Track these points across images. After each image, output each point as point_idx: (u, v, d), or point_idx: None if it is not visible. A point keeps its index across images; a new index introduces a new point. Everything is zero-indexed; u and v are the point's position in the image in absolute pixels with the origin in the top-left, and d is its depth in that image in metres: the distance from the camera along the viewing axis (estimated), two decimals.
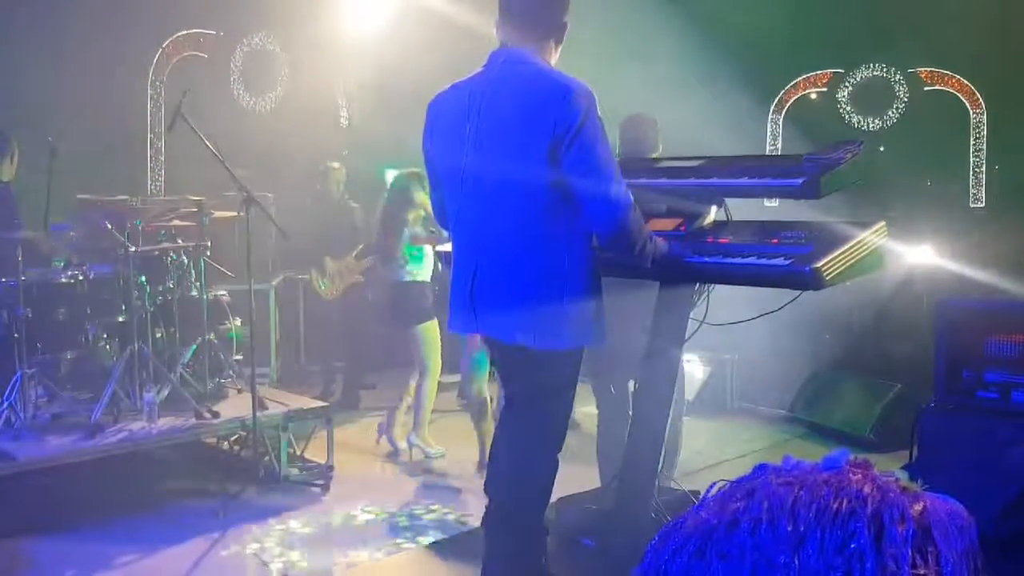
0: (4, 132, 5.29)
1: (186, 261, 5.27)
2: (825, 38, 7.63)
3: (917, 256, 6.02)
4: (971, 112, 7.35)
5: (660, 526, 0.80)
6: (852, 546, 0.68)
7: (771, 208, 6.58)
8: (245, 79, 8.08)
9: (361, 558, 4.04)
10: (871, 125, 7.67)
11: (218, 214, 5.27)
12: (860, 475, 0.73)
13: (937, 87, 7.50)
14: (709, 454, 5.49)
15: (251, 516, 4.47)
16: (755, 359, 6.42)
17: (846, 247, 2.90)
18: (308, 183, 7.17)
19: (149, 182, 7.59)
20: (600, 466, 4.20)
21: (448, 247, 3.46)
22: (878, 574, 0.67)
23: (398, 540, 4.25)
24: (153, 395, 4.72)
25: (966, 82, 7.37)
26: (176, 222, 5.30)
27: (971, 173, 7.34)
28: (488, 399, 5.04)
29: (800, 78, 8.00)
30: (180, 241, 5.32)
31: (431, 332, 5.33)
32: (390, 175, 7.92)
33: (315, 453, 5.16)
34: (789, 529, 0.69)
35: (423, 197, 5.05)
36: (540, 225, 2.89)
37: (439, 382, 5.58)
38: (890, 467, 0.80)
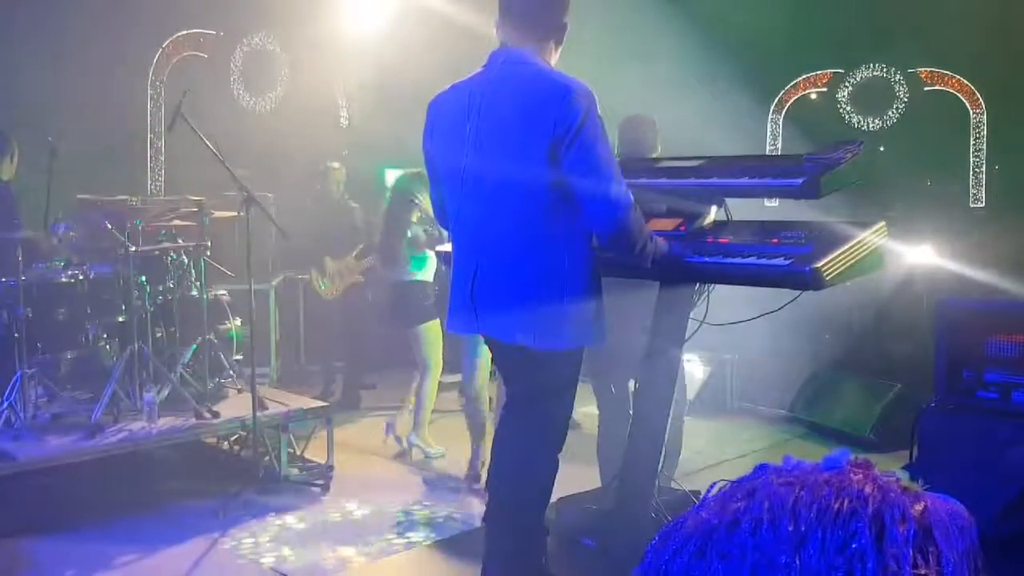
0: (4, 132, 5.29)
1: (186, 261, 5.26)
2: (825, 38, 7.63)
3: (917, 256, 6.01)
4: (971, 112, 7.35)
5: (660, 526, 0.80)
6: (853, 546, 0.68)
7: (771, 208, 6.58)
8: (245, 79, 8.07)
9: (361, 558, 4.03)
10: (871, 125, 7.67)
11: (218, 214, 5.27)
12: (861, 475, 0.73)
13: (937, 87, 7.50)
14: (709, 454, 5.49)
15: (251, 516, 4.47)
16: (755, 359, 6.42)
17: (846, 247, 2.90)
18: (308, 183, 7.17)
19: (149, 182, 7.59)
20: (600, 466, 4.20)
21: (448, 247, 3.46)
22: (879, 574, 0.67)
23: (398, 540, 4.25)
24: (153, 395, 4.72)
25: (966, 82, 7.37)
26: (176, 222, 5.30)
27: (971, 173, 7.33)
28: (486, 397, 5.03)
29: (800, 78, 8.00)
30: (180, 241, 5.31)
31: (432, 332, 5.33)
32: (390, 175, 7.94)
33: (315, 453, 5.15)
34: (790, 529, 0.69)
35: (425, 197, 5.05)
36: (540, 225, 2.89)
37: (440, 382, 5.59)
38: (890, 467, 0.80)
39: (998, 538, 3.61)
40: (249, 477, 4.74)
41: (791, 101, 8.05)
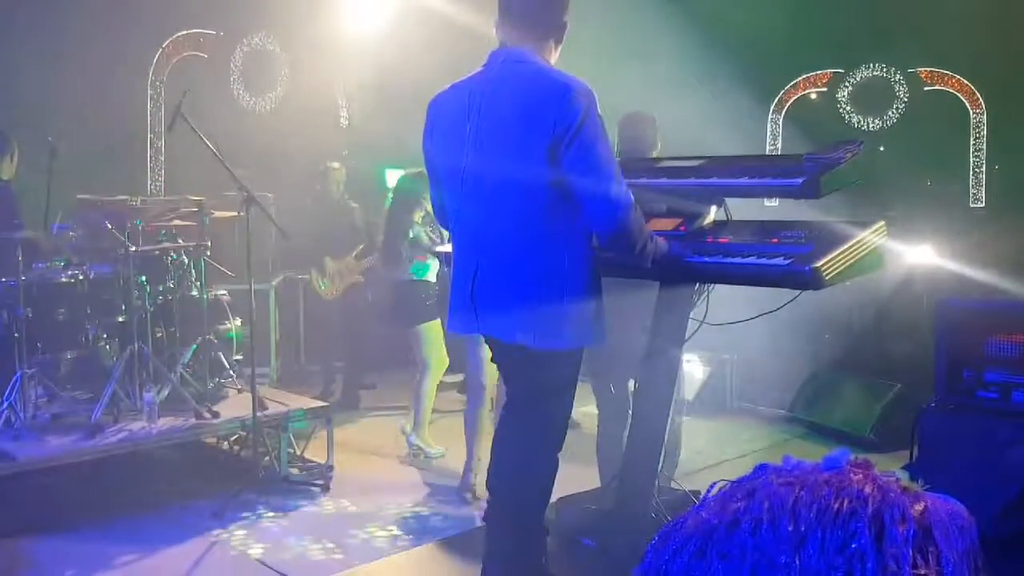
0: (4, 131, 5.29)
1: (186, 261, 5.27)
2: (825, 38, 7.63)
3: (917, 256, 6.01)
4: (971, 112, 7.35)
5: (660, 526, 0.80)
6: (853, 546, 0.68)
7: (771, 208, 6.58)
8: (245, 79, 8.08)
9: (361, 558, 4.03)
10: (871, 125, 7.67)
11: (218, 214, 5.27)
12: (861, 475, 0.73)
13: (937, 87, 7.51)
14: (709, 454, 5.49)
15: (251, 516, 4.47)
16: (755, 359, 6.42)
17: (846, 247, 2.90)
18: (308, 183, 7.17)
19: (149, 182, 7.59)
20: (600, 466, 4.20)
21: (448, 248, 3.46)
22: (879, 574, 0.67)
23: (398, 540, 4.25)
24: (153, 395, 4.72)
25: (966, 82, 7.37)
26: (176, 222, 5.29)
27: (971, 173, 7.34)
28: (489, 397, 5.02)
29: (800, 78, 8.00)
30: (180, 241, 5.31)
31: (432, 332, 5.33)
32: (390, 175, 7.95)
33: (315, 453, 5.15)
34: (790, 529, 0.69)
35: (427, 197, 5.06)
36: (540, 224, 2.89)
37: (441, 382, 5.59)
38: (890, 467, 0.80)
39: (998, 538, 3.61)
40: (249, 477, 4.74)
41: (791, 101, 8.05)
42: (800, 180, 3.04)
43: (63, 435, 4.54)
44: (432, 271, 5.37)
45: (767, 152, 7.69)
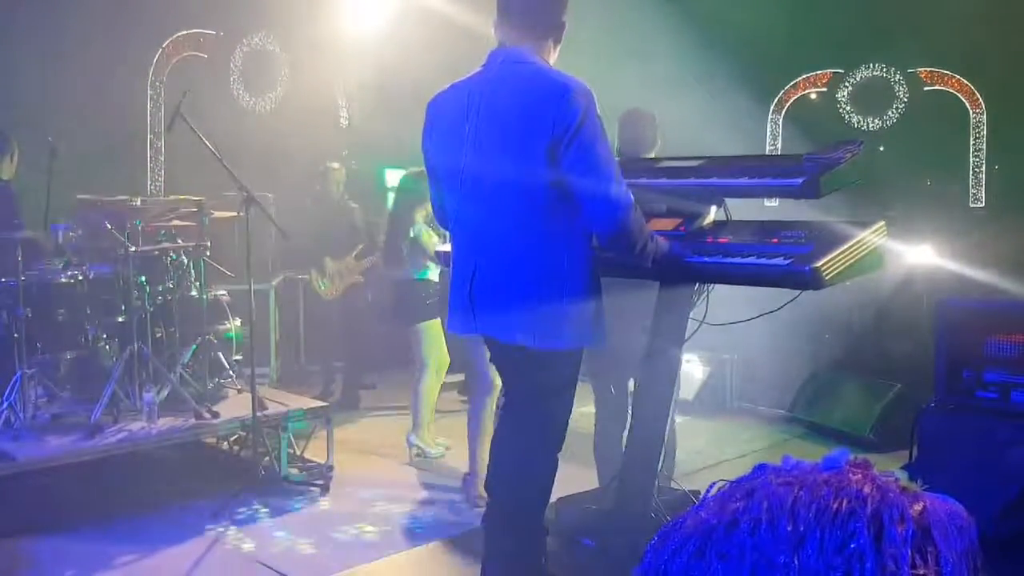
0: (4, 131, 5.29)
1: (186, 261, 5.26)
2: (825, 38, 7.63)
3: (917, 256, 6.02)
4: (971, 112, 7.35)
5: (659, 526, 0.80)
6: (852, 546, 0.68)
7: (771, 208, 6.58)
8: (245, 79, 8.08)
9: (361, 558, 4.03)
10: (871, 125, 7.67)
11: (218, 214, 5.27)
12: (860, 475, 0.73)
13: (937, 87, 7.51)
14: (709, 454, 5.49)
15: (251, 516, 4.47)
16: (755, 359, 6.42)
17: (846, 247, 2.90)
18: (308, 183, 7.17)
19: (149, 182, 7.59)
20: (598, 466, 4.20)
21: (448, 248, 3.46)
22: (878, 574, 0.67)
23: (398, 540, 4.25)
24: (153, 395, 4.72)
25: (966, 82, 7.37)
26: (176, 222, 5.29)
27: (971, 173, 7.34)
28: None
29: (800, 78, 8.00)
30: (180, 241, 5.31)
31: (432, 331, 5.33)
32: (390, 175, 7.96)
33: (315, 453, 5.15)
34: (789, 529, 0.69)
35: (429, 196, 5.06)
36: (540, 225, 2.89)
37: (443, 382, 5.60)
38: (890, 467, 0.80)
39: (998, 538, 3.61)
40: (249, 477, 4.74)
41: (791, 101, 8.05)
42: (800, 180, 3.04)
43: (63, 435, 4.54)
44: (434, 270, 5.37)
45: (767, 152, 7.69)
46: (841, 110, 7.78)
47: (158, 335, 5.10)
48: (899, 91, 7.58)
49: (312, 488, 4.88)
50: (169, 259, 5.19)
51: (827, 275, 2.81)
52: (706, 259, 3.11)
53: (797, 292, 3.03)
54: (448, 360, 5.54)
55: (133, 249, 4.87)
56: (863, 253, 2.96)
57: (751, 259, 3.00)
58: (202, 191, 5.59)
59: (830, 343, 6.47)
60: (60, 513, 4.37)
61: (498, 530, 3.16)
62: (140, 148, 7.57)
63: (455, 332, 3.28)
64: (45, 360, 4.80)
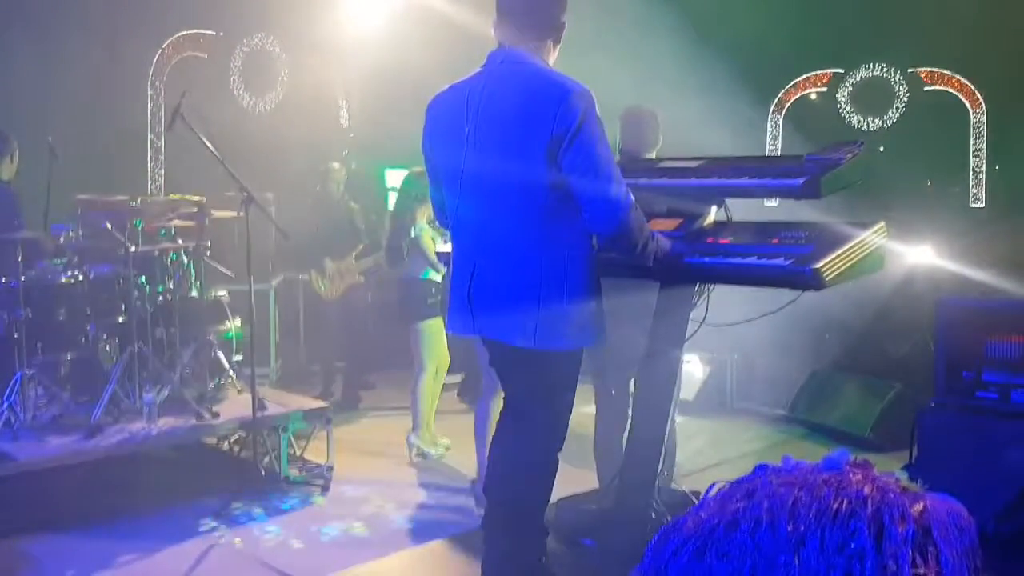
0: (4, 132, 5.29)
1: (186, 261, 5.27)
2: (825, 38, 7.64)
3: (917, 256, 6.01)
4: (971, 112, 7.35)
5: (660, 526, 0.80)
6: (852, 546, 0.68)
7: (771, 208, 6.58)
8: (245, 79, 8.08)
9: (361, 558, 4.03)
10: (871, 125, 7.67)
11: (218, 214, 5.27)
12: (860, 475, 0.73)
13: (937, 87, 7.51)
14: (709, 454, 5.48)
15: (251, 516, 4.47)
16: (755, 359, 6.42)
17: (846, 247, 2.90)
18: (308, 183, 7.17)
19: (149, 182, 7.59)
20: (598, 466, 4.20)
21: (448, 248, 3.47)
22: (878, 574, 0.67)
23: (398, 540, 4.24)
24: (153, 396, 4.72)
25: (966, 82, 7.37)
26: (176, 222, 5.29)
27: (971, 173, 7.34)
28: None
29: (800, 78, 8.00)
30: (180, 241, 5.31)
31: (431, 330, 5.33)
32: (390, 175, 7.96)
33: (315, 453, 5.15)
34: (789, 529, 0.69)
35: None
36: (539, 226, 2.89)
37: (443, 383, 5.59)
38: (890, 467, 0.81)
39: (998, 538, 3.61)
40: (249, 477, 4.74)
41: (791, 101, 8.05)
42: (801, 180, 3.04)
43: (63, 436, 4.54)
44: (440, 269, 5.37)
45: (767, 152, 7.69)
46: (841, 110, 7.78)
47: (158, 335, 5.10)
48: (899, 91, 7.59)
49: (312, 488, 4.88)
50: (169, 259, 5.19)
51: (828, 276, 2.81)
52: (706, 259, 3.11)
53: (797, 293, 3.03)
54: (448, 360, 5.54)
55: (133, 249, 4.87)
56: (864, 254, 2.96)
57: (752, 259, 3.00)
58: (202, 191, 5.59)
59: (830, 343, 6.46)
60: (60, 513, 4.37)
61: (498, 530, 3.16)
62: (140, 148, 7.57)
63: (454, 333, 3.28)
64: (45, 360, 4.80)
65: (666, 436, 3.44)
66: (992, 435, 3.88)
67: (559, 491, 3.35)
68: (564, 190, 2.83)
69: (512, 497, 3.11)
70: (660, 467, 3.46)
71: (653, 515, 3.34)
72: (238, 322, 5.50)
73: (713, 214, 3.39)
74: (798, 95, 8.03)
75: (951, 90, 7.46)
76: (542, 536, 3.20)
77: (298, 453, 5.16)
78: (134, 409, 4.78)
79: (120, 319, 4.97)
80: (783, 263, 2.90)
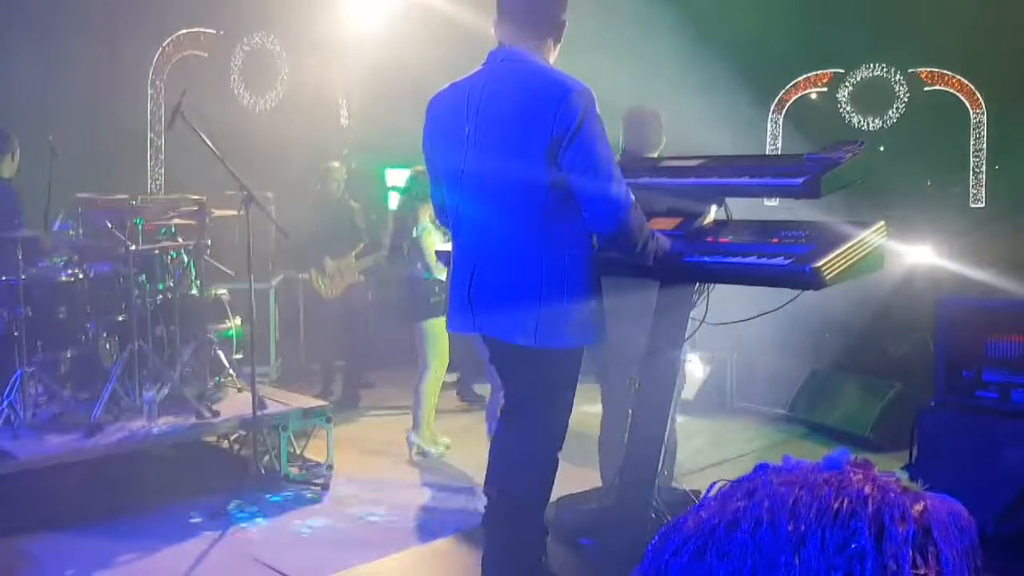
0: (5, 130, 5.29)
1: (186, 260, 5.27)
2: (825, 38, 7.63)
3: (917, 256, 6.01)
4: (971, 112, 7.35)
5: (660, 526, 0.81)
6: (853, 546, 0.68)
7: (771, 208, 6.58)
8: (245, 78, 8.08)
9: (361, 558, 4.03)
10: (871, 125, 7.67)
11: (218, 213, 5.27)
12: (861, 475, 0.74)
13: (937, 87, 7.51)
14: (709, 454, 5.48)
15: (251, 515, 4.47)
16: (755, 359, 6.41)
17: (846, 247, 2.90)
18: (308, 182, 7.17)
19: (149, 181, 7.59)
20: (601, 465, 4.19)
21: (448, 247, 3.47)
22: (879, 574, 0.67)
23: (398, 539, 4.24)
24: (153, 394, 4.72)
25: (966, 82, 7.37)
26: (176, 221, 5.29)
27: (971, 173, 7.34)
28: None
29: (800, 78, 8.00)
30: (180, 240, 5.31)
31: (434, 329, 5.32)
32: (390, 175, 7.96)
33: (315, 452, 5.16)
34: (790, 529, 0.69)
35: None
36: (540, 225, 2.89)
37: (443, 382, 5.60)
38: (890, 467, 0.81)
39: (998, 538, 3.61)
40: (249, 476, 4.74)
41: (791, 101, 8.05)
42: (801, 180, 3.04)
43: (63, 434, 4.54)
44: (437, 270, 5.37)
45: (767, 152, 7.69)
46: (841, 110, 7.78)
47: (158, 334, 5.10)
48: (899, 91, 7.59)
49: (312, 487, 4.88)
50: (169, 258, 5.19)
51: (827, 275, 2.81)
52: (706, 258, 3.11)
53: (797, 292, 3.03)
54: (448, 359, 5.54)
55: (133, 248, 4.87)
56: (863, 253, 2.96)
57: (751, 259, 3.00)
58: (202, 190, 5.59)
59: (830, 342, 6.46)
60: (60, 512, 4.37)
61: (498, 529, 3.16)
62: (140, 147, 7.56)
63: (455, 331, 3.28)
64: (45, 359, 4.80)
65: (667, 435, 3.44)
66: (992, 435, 3.88)
67: (559, 490, 3.35)
68: (564, 189, 2.83)
69: (512, 495, 3.11)
70: (660, 466, 3.46)
71: (653, 515, 3.34)
72: (238, 321, 5.51)
73: (713, 213, 3.39)
74: (798, 95, 8.03)
75: (951, 90, 7.46)
76: (542, 535, 3.20)
77: (298, 452, 5.16)
78: (134, 407, 4.78)
79: (120, 317, 4.97)
80: (783, 262, 2.90)
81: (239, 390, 5.30)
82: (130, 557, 3.98)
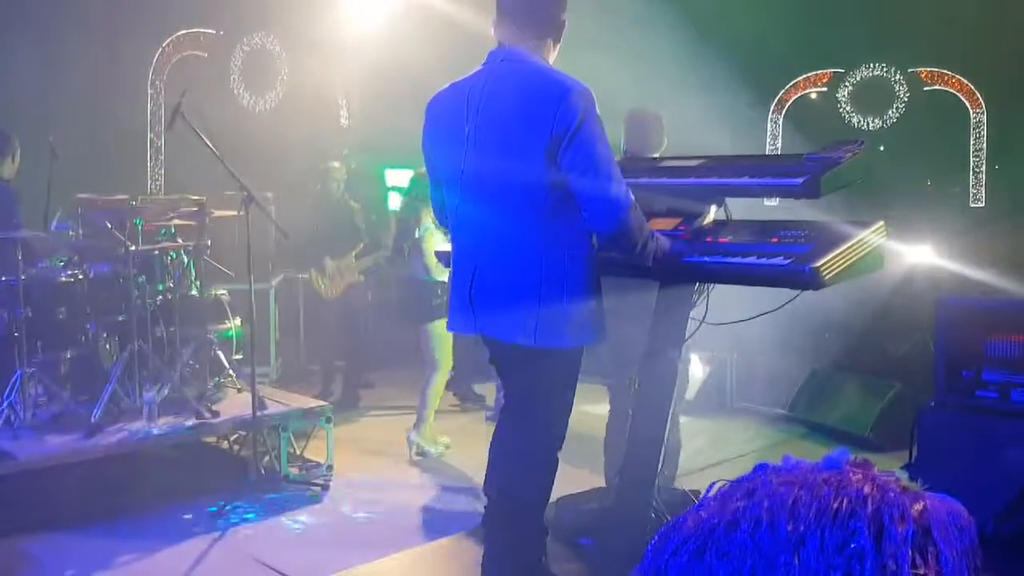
0: (5, 131, 5.29)
1: (186, 260, 5.27)
2: (825, 38, 7.64)
3: (917, 256, 6.01)
4: (971, 112, 7.36)
5: (660, 526, 0.80)
6: (852, 546, 0.68)
7: (771, 207, 6.58)
8: (245, 78, 8.08)
9: (361, 558, 4.03)
10: (871, 125, 7.67)
11: (218, 213, 5.26)
12: (860, 475, 0.73)
13: (937, 87, 7.51)
14: (709, 454, 5.48)
15: (251, 516, 4.47)
16: (755, 359, 6.41)
17: (846, 246, 2.89)
18: (308, 183, 7.17)
19: (149, 181, 7.59)
20: (605, 464, 4.19)
21: (448, 247, 3.47)
22: (878, 574, 0.67)
23: (398, 539, 4.24)
24: (153, 394, 4.72)
25: (966, 82, 7.37)
26: (176, 221, 5.29)
27: (971, 173, 7.34)
28: None
29: (800, 78, 8.00)
30: (180, 240, 5.31)
31: (440, 330, 5.32)
32: (390, 175, 7.96)
33: (315, 452, 5.16)
34: (789, 529, 0.69)
35: None
36: (540, 225, 2.89)
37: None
38: (890, 467, 0.80)
39: (998, 538, 3.61)
40: (249, 477, 4.74)
41: (791, 101, 8.05)
42: (801, 180, 3.04)
43: (63, 434, 4.54)
44: (439, 271, 5.37)
45: (767, 152, 7.69)
46: (841, 110, 7.78)
47: (158, 334, 5.10)
48: (899, 91, 7.59)
49: (312, 487, 4.88)
50: (169, 258, 5.19)
51: (827, 275, 2.81)
52: (706, 259, 3.10)
53: (797, 292, 3.03)
54: (451, 361, 5.55)
55: (133, 248, 4.87)
56: (863, 253, 2.96)
57: (751, 259, 3.00)
58: (202, 190, 5.58)
59: (830, 342, 6.46)
60: (60, 512, 4.37)
61: (498, 529, 3.16)
62: (140, 147, 7.57)
63: (456, 332, 3.28)
64: (45, 359, 4.80)
65: (667, 435, 3.43)
66: (992, 435, 3.88)
67: (560, 490, 3.35)
68: (564, 189, 2.83)
69: (512, 495, 3.11)
70: (660, 466, 3.46)
71: (653, 515, 3.34)
72: (238, 321, 5.50)
73: (713, 213, 3.39)
74: (798, 95, 8.03)
75: (951, 90, 7.46)
76: (542, 535, 3.20)
77: (298, 452, 5.16)
78: (134, 408, 4.78)
79: (120, 318, 4.97)
80: (782, 262, 2.90)
81: (239, 390, 5.30)
82: (130, 557, 3.98)
